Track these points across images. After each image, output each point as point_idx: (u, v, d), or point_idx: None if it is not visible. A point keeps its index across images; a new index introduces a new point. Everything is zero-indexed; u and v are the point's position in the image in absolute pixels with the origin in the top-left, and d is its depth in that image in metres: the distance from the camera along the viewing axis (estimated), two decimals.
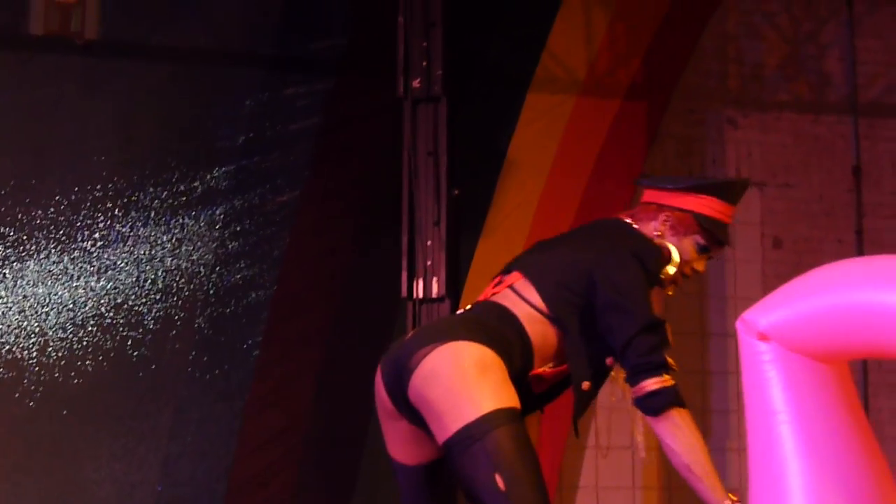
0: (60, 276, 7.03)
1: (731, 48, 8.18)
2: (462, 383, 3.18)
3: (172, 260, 7.17)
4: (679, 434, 3.26)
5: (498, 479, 3.12)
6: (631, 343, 3.30)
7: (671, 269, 3.51)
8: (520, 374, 3.33)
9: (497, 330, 3.32)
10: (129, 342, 7.06)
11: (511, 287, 3.45)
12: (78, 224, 7.05)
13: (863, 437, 3.01)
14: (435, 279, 6.75)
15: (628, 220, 3.57)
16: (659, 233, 3.53)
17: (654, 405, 3.28)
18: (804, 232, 8.07)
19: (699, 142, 8.05)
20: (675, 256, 3.52)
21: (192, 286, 7.19)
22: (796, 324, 2.98)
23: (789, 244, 8.03)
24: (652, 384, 3.28)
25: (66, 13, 6.59)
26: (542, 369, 3.39)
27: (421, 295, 6.77)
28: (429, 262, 6.77)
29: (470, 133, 7.23)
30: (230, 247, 7.29)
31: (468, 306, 3.52)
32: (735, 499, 3.25)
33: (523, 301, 3.40)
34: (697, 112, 8.08)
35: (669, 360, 3.33)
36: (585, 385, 3.38)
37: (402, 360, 3.29)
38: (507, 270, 3.54)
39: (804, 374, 2.99)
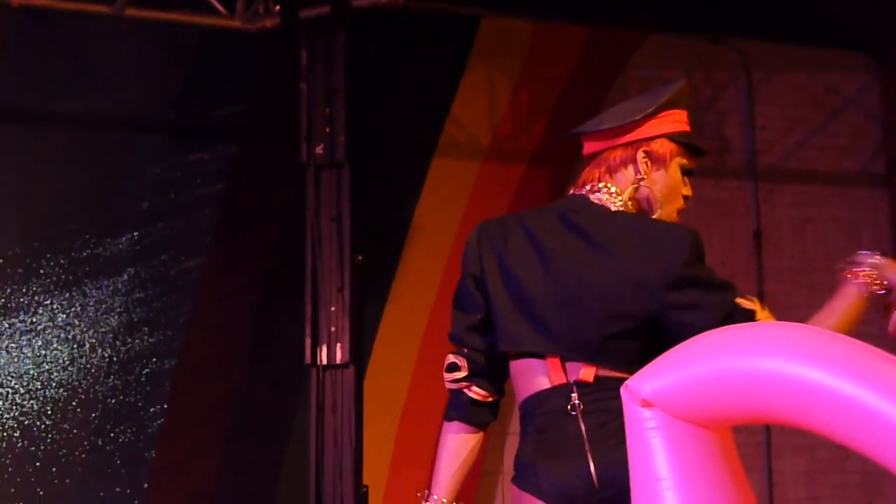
0: None
1: None
2: None
3: (74, 328, 7.09)
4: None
5: None
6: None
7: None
8: None
9: None
10: (31, 411, 6.96)
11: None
12: None
13: (745, 502, 3.03)
14: (339, 345, 6.73)
15: (610, 203, 3.15)
16: (643, 175, 3.14)
17: None
18: None
19: None
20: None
21: (95, 354, 7.11)
22: (679, 390, 2.99)
23: None
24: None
25: None
26: None
27: (325, 361, 6.74)
28: (333, 329, 6.75)
29: (375, 199, 7.24)
30: (134, 314, 7.22)
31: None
32: None
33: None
34: None
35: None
36: None
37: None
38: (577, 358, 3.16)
39: (687, 441, 3.00)
